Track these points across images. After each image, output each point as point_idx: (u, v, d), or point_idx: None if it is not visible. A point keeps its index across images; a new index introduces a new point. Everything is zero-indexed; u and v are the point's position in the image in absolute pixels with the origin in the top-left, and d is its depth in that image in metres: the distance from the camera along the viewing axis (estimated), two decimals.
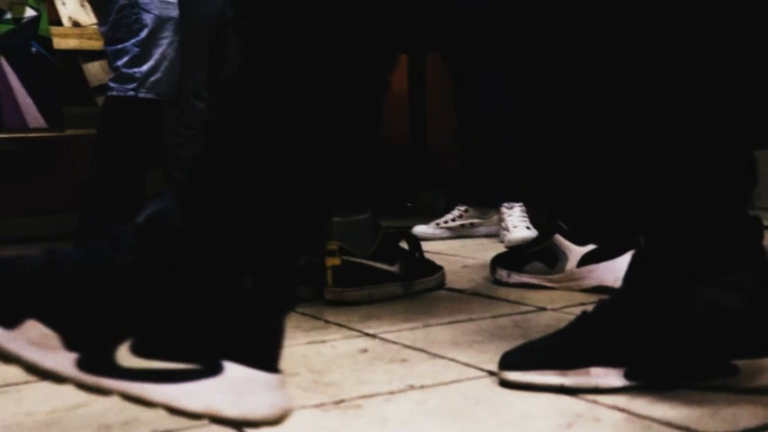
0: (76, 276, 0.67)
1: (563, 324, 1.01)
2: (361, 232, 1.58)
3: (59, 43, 3.34)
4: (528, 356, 0.96)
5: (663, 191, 0.92)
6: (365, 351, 1.18)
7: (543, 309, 1.43)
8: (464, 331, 1.28)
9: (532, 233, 2.31)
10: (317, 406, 0.92)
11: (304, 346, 1.24)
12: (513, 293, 1.59)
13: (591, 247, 1.65)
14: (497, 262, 1.75)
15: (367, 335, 1.28)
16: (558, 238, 1.67)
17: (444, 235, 2.64)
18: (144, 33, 2.55)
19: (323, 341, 1.25)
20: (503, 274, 1.71)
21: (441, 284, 1.71)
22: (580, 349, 0.93)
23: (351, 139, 0.79)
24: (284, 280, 0.73)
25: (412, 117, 3.93)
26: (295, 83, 0.73)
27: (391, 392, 0.96)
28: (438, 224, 2.67)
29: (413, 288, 1.64)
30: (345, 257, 1.56)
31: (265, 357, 0.72)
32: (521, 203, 2.49)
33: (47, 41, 3.31)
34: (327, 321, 1.40)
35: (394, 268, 1.61)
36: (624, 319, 0.92)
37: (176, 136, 3.08)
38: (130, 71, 2.55)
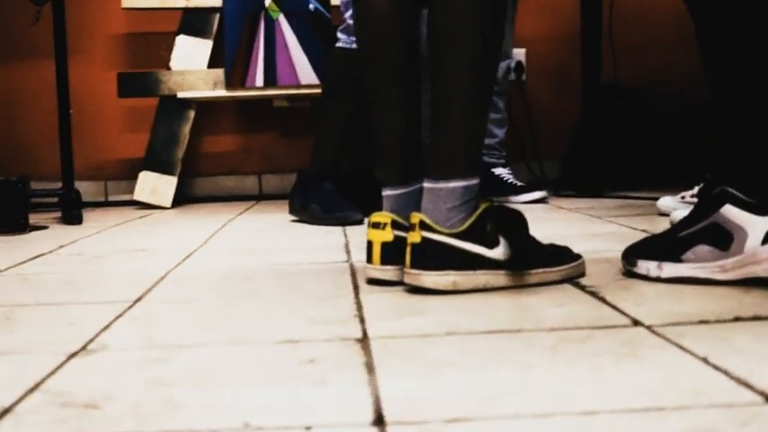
0: None
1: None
2: (455, 203, 1.27)
3: None
4: None
5: None
6: (311, 362, 0.90)
7: (638, 323, 1.03)
8: (477, 348, 0.94)
9: None
10: None
11: (276, 344, 0.99)
12: (657, 292, 1.19)
13: None
14: (636, 252, 1.34)
15: (362, 338, 1.00)
16: (730, 209, 1.23)
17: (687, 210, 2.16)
18: None
19: (295, 342, 1.00)
20: (650, 266, 1.30)
21: (573, 277, 1.34)
22: None
23: None
24: None
25: None
26: None
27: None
28: (683, 197, 2.19)
29: (523, 279, 1.30)
30: (426, 234, 1.27)
31: None
32: None
33: None
34: (360, 315, 1.14)
35: (493, 252, 1.28)
36: None
37: (422, 91, 2.88)
38: None
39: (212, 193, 3.64)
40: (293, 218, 2.46)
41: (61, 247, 1.98)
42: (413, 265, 1.27)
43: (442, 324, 1.06)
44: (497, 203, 1.31)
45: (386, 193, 1.39)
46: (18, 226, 2.37)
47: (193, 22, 3.40)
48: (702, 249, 1.25)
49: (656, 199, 2.65)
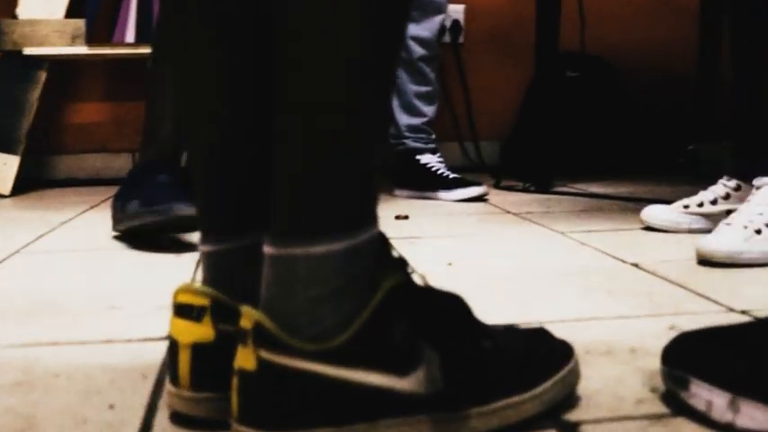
0: None
1: None
2: (327, 287, 0.62)
3: None
4: None
5: None
6: None
7: None
8: None
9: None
10: None
11: None
12: None
13: None
14: (689, 361, 0.71)
15: None
16: None
17: (695, 226, 1.57)
18: None
19: None
20: (716, 401, 0.67)
21: (560, 400, 0.71)
22: None
23: None
24: None
25: (702, 39, 2.80)
26: None
27: None
28: (687, 207, 1.59)
29: (469, 426, 0.66)
30: (268, 355, 0.61)
31: None
32: None
33: None
34: None
35: (409, 381, 0.64)
36: None
37: None
38: None
39: (76, 175, 2.94)
40: (116, 233, 1.66)
41: None
42: (241, 418, 0.62)
43: None
44: (415, 283, 0.66)
45: (205, 248, 0.73)
46: None
47: None
48: None
49: (624, 198, 2.08)
